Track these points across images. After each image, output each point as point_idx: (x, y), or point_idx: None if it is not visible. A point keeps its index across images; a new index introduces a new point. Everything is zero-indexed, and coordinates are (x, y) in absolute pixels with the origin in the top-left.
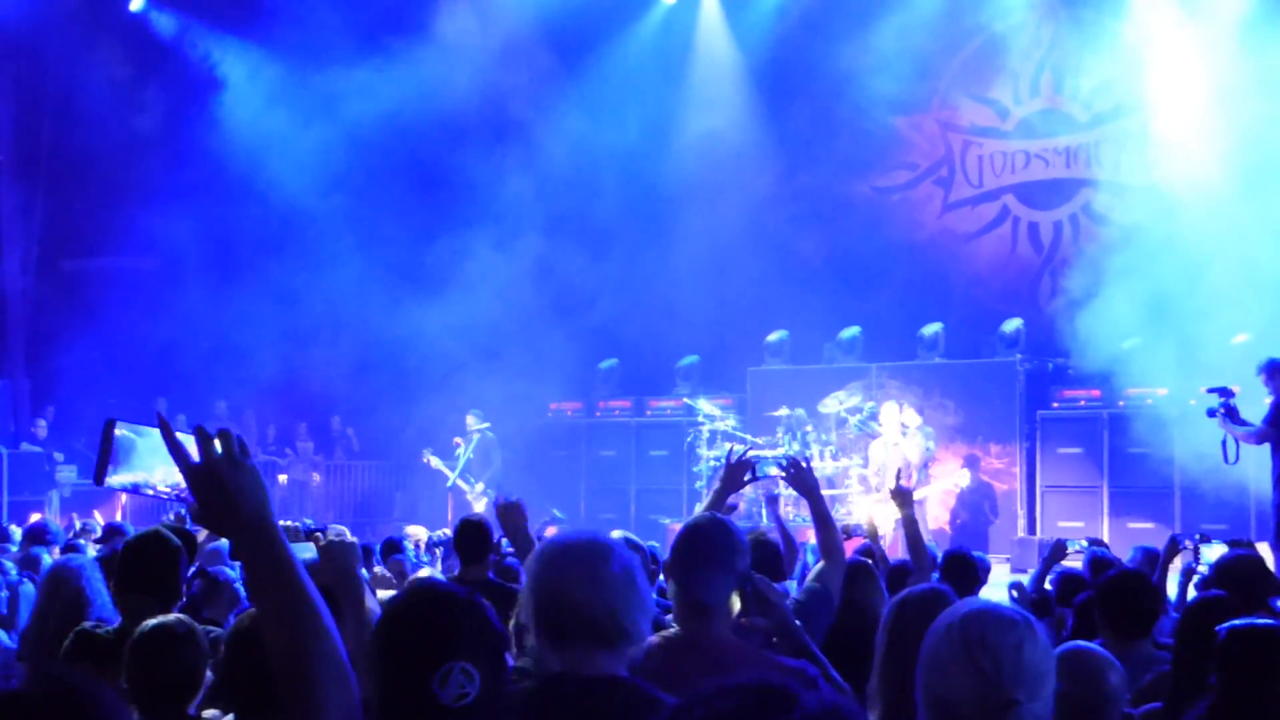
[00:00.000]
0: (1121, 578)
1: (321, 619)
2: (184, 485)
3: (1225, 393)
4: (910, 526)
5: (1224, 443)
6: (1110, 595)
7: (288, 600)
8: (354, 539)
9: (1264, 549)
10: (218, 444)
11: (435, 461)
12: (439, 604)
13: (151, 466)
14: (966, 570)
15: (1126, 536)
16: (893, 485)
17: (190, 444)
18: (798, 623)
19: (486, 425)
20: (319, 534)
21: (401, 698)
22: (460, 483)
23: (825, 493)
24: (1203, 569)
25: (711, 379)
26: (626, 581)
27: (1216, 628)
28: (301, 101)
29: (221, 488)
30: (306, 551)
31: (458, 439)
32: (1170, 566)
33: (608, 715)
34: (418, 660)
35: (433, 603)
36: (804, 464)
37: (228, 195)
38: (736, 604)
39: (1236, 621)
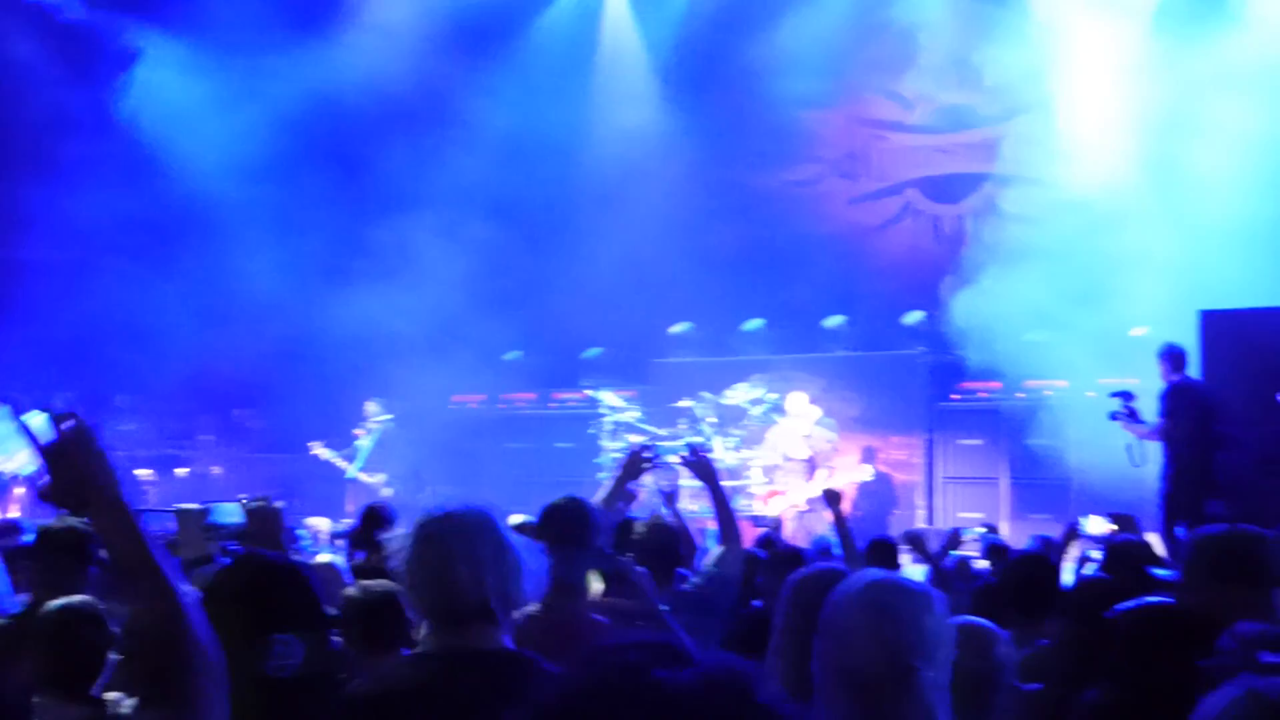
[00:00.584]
0: (1026, 559)
1: (177, 595)
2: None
3: (1126, 395)
4: (841, 524)
5: (1129, 447)
6: (1013, 576)
7: (145, 575)
8: (280, 504)
9: (1154, 540)
10: (65, 425)
11: (325, 453)
12: (259, 576)
13: (11, 451)
14: (889, 555)
15: (1026, 528)
16: (798, 480)
17: (43, 426)
18: (663, 607)
19: (389, 416)
20: (244, 498)
21: (229, 668)
22: (361, 475)
23: (727, 483)
24: (1095, 554)
25: (617, 371)
26: (501, 554)
27: (1113, 609)
28: (222, 84)
29: (73, 466)
30: (233, 516)
31: (358, 430)
32: (1069, 555)
33: (499, 687)
34: (239, 631)
35: (253, 575)
36: (704, 454)
37: (141, 178)
38: (599, 585)
39: (1130, 603)
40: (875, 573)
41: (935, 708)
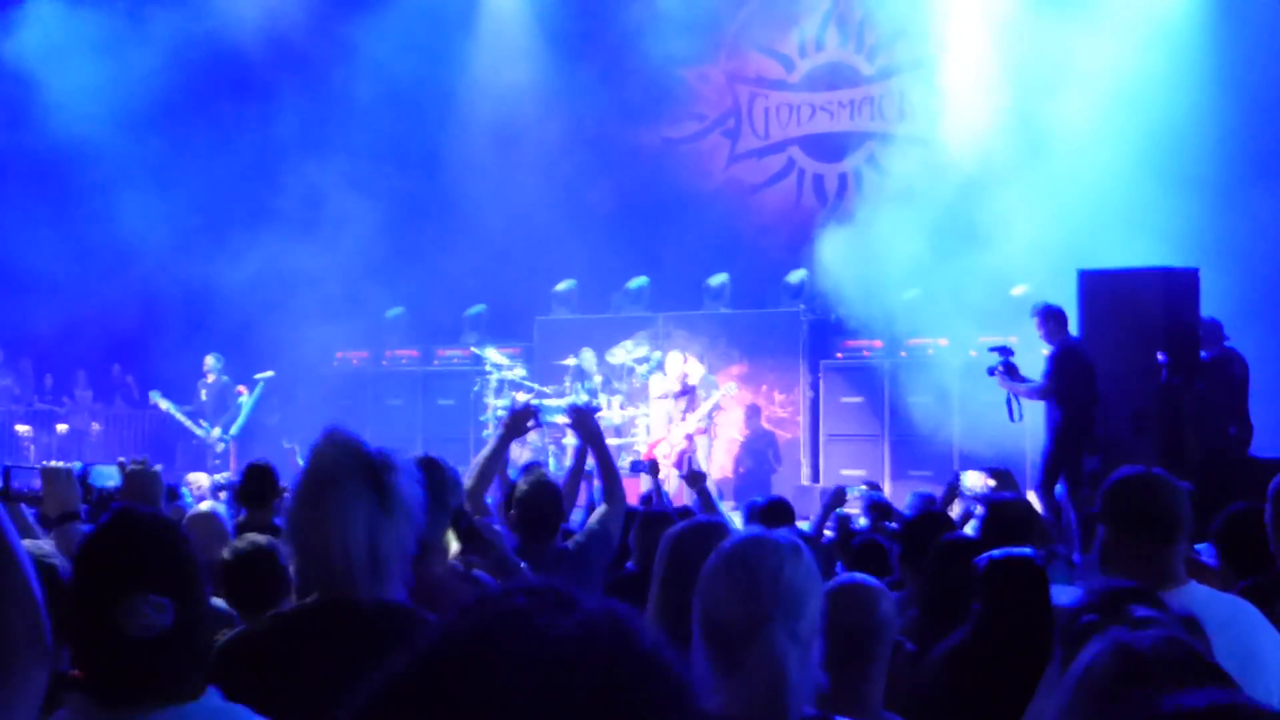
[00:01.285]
0: (926, 516)
1: (11, 548)
2: None
3: (1004, 350)
4: (705, 499)
5: (1008, 401)
6: (910, 534)
7: None
8: (158, 467)
9: (1032, 497)
10: None
11: (165, 404)
12: (128, 531)
13: None
14: (784, 514)
15: (907, 485)
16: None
17: None
18: (521, 563)
19: (269, 373)
20: (123, 460)
21: (87, 628)
22: (193, 426)
23: (612, 441)
24: (979, 510)
25: (500, 328)
26: (387, 506)
27: (976, 559)
28: (109, 24)
29: None
30: (111, 478)
31: (241, 387)
32: (951, 512)
33: (376, 637)
34: (103, 589)
35: (122, 530)
36: (587, 411)
37: (20, 118)
38: (455, 545)
39: (995, 552)
40: (749, 530)
41: (787, 659)
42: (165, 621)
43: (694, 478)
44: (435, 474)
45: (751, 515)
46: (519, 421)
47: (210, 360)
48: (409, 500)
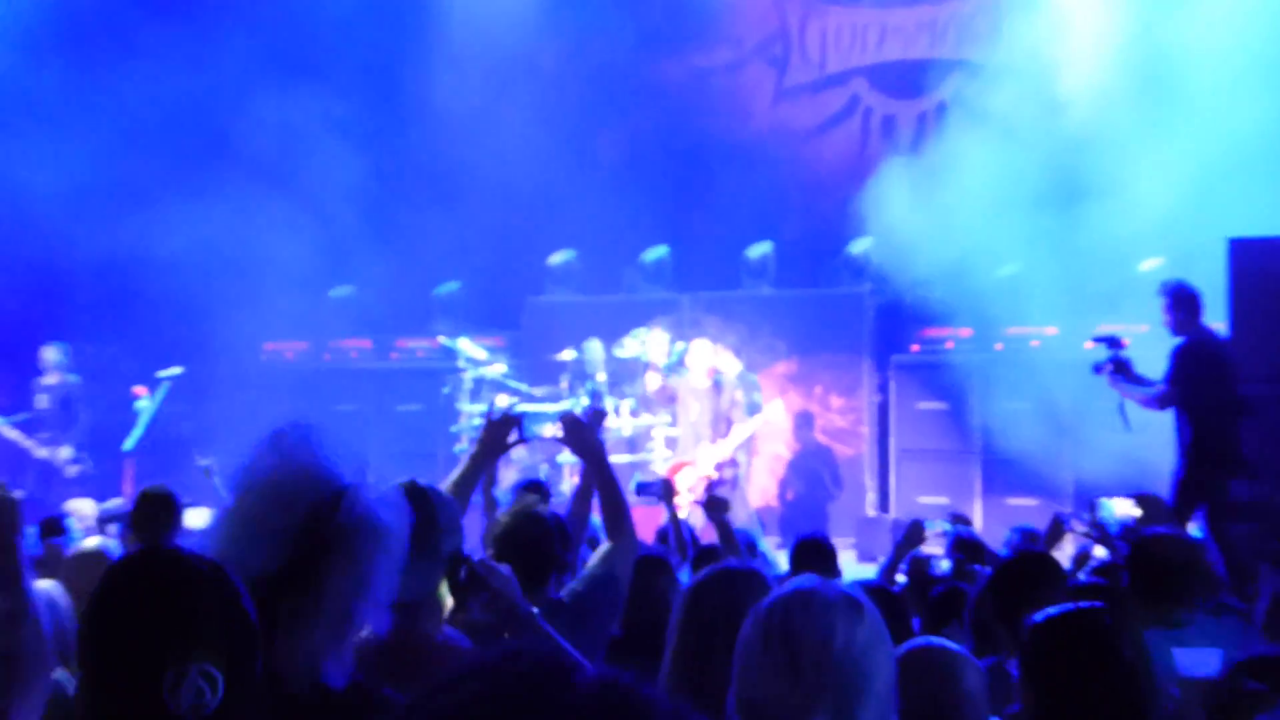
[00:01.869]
0: (1022, 560)
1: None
2: None
3: (1114, 342)
4: (724, 535)
5: (1120, 407)
6: (1007, 582)
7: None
8: (18, 494)
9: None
10: None
11: None
12: (168, 581)
13: None
14: (822, 559)
15: (1005, 516)
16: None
17: None
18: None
19: (177, 370)
20: None
21: (119, 707)
22: (23, 439)
23: (623, 458)
24: (1100, 552)
25: (478, 312)
26: (337, 559)
27: (1028, 619)
28: None
29: None
30: None
31: (140, 388)
32: (1056, 553)
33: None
34: (139, 658)
35: (160, 579)
36: (585, 420)
37: None
38: (449, 597)
39: (1050, 611)
40: (797, 581)
41: None
42: (216, 697)
43: (713, 504)
44: (424, 508)
45: (794, 559)
46: (499, 434)
47: (50, 354)
48: (373, 546)
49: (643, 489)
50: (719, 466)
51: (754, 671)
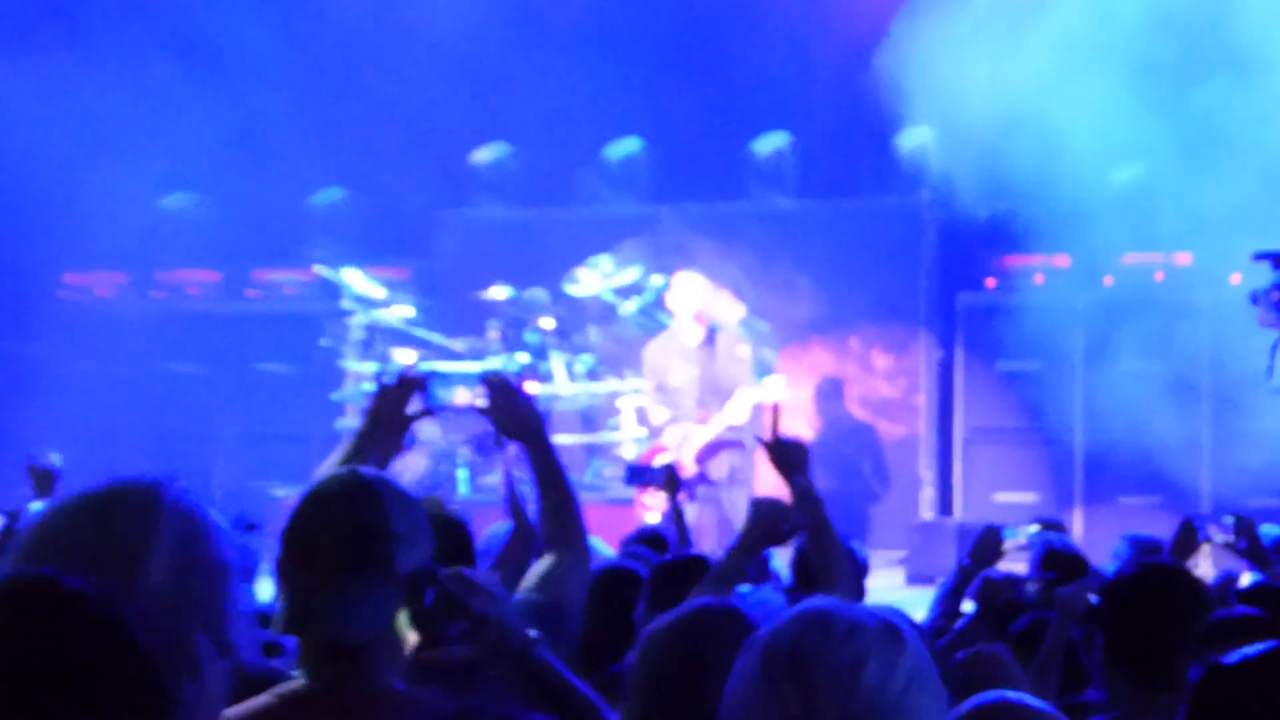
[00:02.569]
0: (1145, 573)
1: None
2: None
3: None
4: (812, 524)
5: (1274, 349)
6: (1122, 605)
7: None
8: None
9: None
10: None
11: None
12: (39, 619)
13: None
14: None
15: (1115, 519)
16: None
17: None
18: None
19: None
20: None
21: None
22: None
23: (570, 438)
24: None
25: (371, 232)
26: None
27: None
28: None
29: None
30: None
31: None
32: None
33: None
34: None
35: (30, 617)
36: (518, 385)
37: None
38: (409, 631)
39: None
40: (811, 603)
41: None
42: None
43: (671, 483)
44: (366, 516)
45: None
46: (397, 403)
47: None
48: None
49: (637, 476)
50: (710, 450)
51: (752, 716)
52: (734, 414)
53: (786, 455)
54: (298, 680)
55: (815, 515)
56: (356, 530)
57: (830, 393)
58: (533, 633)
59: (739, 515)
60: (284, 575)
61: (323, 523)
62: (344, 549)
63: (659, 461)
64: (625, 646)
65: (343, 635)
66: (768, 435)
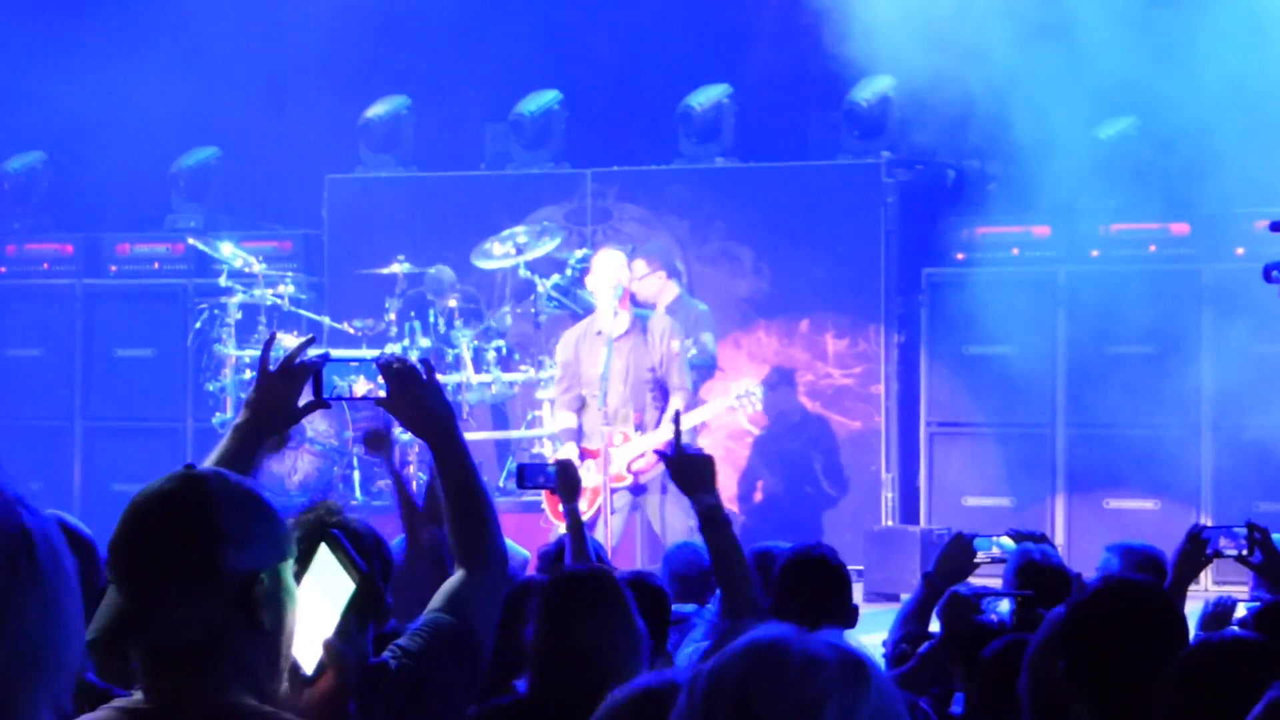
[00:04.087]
0: (1118, 590)
1: None
2: None
3: None
4: (717, 546)
5: None
6: (1092, 630)
7: None
8: None
9: None
10: None
11: None
12: None
13: None
14: (834, 591)
15: (1102, 526)
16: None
17: None
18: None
19: None
20: None
21: None
22: None
23: (480, 435)
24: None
25: (250, 198)
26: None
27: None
28: None
29: None
30: None
31: None
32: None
33: None
34: None
35: None
36: (421, 371)
37: None
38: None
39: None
40: (765, 631)
41: None
42: None
43: (567, 480)
44: (203, 515)
45: (780, 590)
46: (282, 394)
47: None
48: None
49: (528, 475)
50: (662, 452)
51: None
52: (691, 421)
53: (689, 471)
54: (134, 693)
55: (721, 538)
56: (176, 529)
57: (776, 382)
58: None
59: (672, 525)
60: (111, 581)
61: (141, 522)
62: (161, 549)
63: (560, 456)
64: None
65: (164, 642)
66: (669, 447)
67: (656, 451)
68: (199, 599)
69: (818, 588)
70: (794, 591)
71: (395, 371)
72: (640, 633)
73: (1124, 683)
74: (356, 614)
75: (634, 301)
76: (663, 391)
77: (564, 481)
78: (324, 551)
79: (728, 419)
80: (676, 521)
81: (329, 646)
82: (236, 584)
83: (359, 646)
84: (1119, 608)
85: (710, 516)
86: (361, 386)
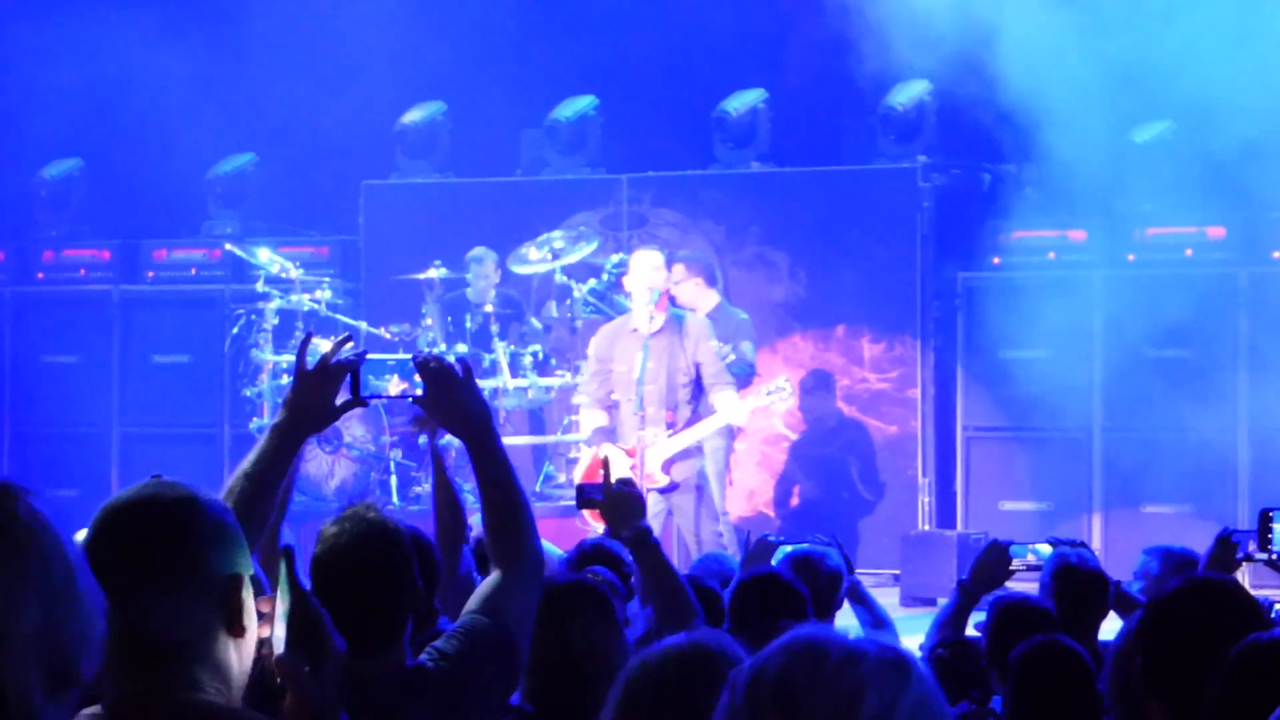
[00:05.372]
0: (1198, 588)
1: None
2: None
3: None
4: (652, 565)
5: None
6: (1170, 628)
7: None
8: None
9: None
10: None
11: None
12: None
13: None
14: (776, 608)
15: (1141, 534)
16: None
17: None
18: None
19: None
20: None
21: None
22: None
23: (517, 440)
24: None
25: (286, 204)
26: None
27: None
28: None
29: None
30: None
31: None
32: None
33: None
34: None
35: None
36: (459, 371)
37: None
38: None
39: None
40: (803, 632)
41: None
42: None
43: (624, 506)
44: (178, 510)
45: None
46: (319, 394)
47: None
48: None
49: (588, 498)
50: (679, 455)
51: None
52: (728, 415)
53: (618, 507)
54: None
55: (653, 562)
56: (163, 528)
57: (813, 387)
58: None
59: (702, 528)
60: (103, 574)
61: (125, 522)
62: (149, 547)
63: (614, 470)
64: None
65: (148, 638)
66: (601, 485)
67: (578, 487)
68: (186, 596)
69: (770, 611)
70: (742, 614)
71: (432, 370)
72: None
73: (1197, 680)
74: (292, 636)
75: (673, 303)
76: (697, 390)
77: (632, 503)
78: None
79: (765, 424)
80: (706, 528)
81: (279, 663)
82: (220, 585)
83: (314, 669)
84: (1195, 604)
85: (638, 540)
86: (397, 386)
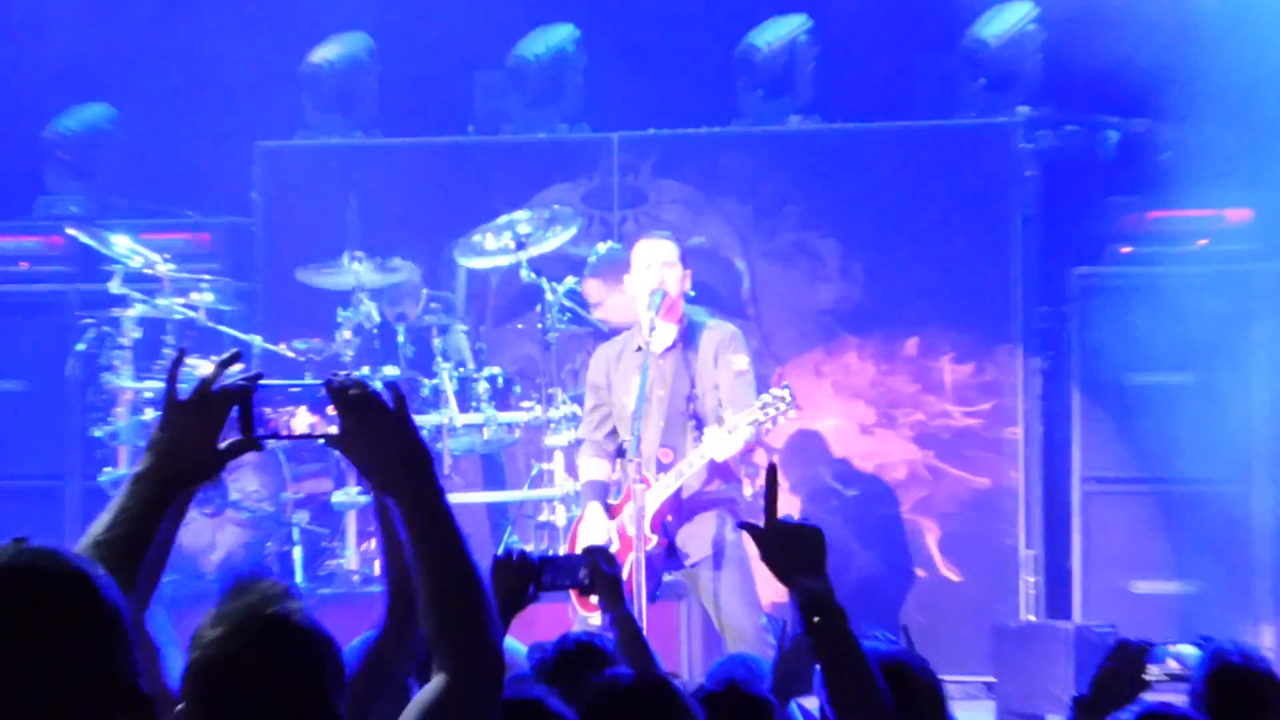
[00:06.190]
0: None
1: None
2: None
3: None
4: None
5: None
6: None
7: None
8: None
9: None
10: None
11: None
12: None
13: None
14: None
15: None
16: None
17: None
18: None
19: None
20: None
21: None
22: None
23: (466, 497)
24: None
25: (150, 176)
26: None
27: None
28: None
29: None
30: None
31: None
32: None
33: None
34: None
35: None
36: (389, 402)
37: None
38: None
39: None
40: None
41: None
42: None
43: (607, 589)
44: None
45: None
46: (199, 427)
47: None
48: None
49: (553, 574)
50: (683, 511)
51: None
52: (711, 447)
53: (790, 548)
54: None
55: (835, 641)
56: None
57: (873, 423)
58: None
59: (730, 609)
60: None
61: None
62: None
63: (583, 542)
64: None
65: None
66: (761, 515)
67: (740, 525)
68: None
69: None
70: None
71: (351, 400)
72: None
73: None
74: None
75: (680, 307)
76: (699, 421)
77: (600, 577)
78: None
79: (807, 473)
80: (738, 613)
81: None
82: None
83: None
84: None
85: (817, 609)
86: (304, 421)
